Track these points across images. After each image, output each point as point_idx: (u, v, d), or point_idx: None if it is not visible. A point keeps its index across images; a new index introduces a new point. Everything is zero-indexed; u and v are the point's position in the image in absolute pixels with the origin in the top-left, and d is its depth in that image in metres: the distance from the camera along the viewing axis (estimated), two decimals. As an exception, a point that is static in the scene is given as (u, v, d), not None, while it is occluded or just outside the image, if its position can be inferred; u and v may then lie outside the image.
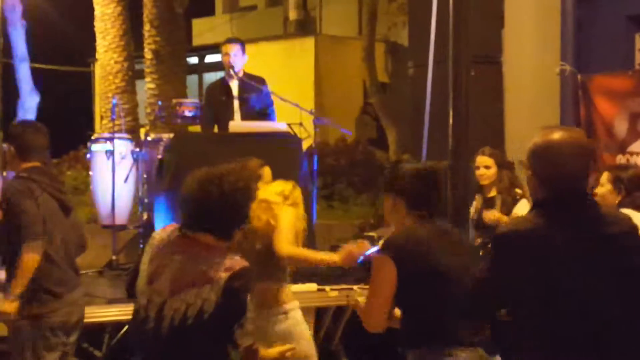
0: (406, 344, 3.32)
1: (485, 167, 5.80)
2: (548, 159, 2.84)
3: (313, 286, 5.92)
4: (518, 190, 5.74)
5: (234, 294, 2.94)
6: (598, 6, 8.29)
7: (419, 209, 3.38)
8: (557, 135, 2.86)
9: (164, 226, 3.26)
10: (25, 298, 4.17)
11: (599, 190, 4.98)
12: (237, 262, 3.00)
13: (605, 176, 5.03)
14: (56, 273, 4.24)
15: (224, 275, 2.94)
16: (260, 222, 4.35)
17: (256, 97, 7.23)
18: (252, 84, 7.25)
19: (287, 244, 4.35)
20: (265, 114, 7.27)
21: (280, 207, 4.43)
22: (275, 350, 3.38)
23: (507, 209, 5.66)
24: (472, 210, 5.87)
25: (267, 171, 4.93)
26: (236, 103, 7.22)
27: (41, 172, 4.31)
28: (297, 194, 4.56)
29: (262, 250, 4.37)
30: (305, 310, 4.63)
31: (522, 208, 5.46)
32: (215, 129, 7.30)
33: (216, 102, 7.30)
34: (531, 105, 8.06)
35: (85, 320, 5.28)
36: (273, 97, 7.32)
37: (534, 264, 2.77)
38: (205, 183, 3.04)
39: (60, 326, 4.25)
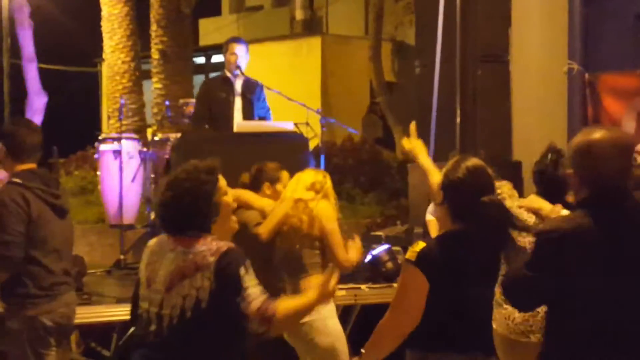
0: (411, 344, 3.28)
1: None
2: (589, 158, 2.90)
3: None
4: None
5: (226, 272, 2.96)
6: (606, 5, 8.27)
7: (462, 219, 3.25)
8: (597, 135, 2.91)
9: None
10: (19, 301, 4.16)
11: None
12: (222, 244, 3.04)
13: None
14: (45, 276, 4.18)
15: (212, 259, 2.98)
16: (303, 223, 4.50)
17: (256, 98, 7.23)
18: (255, 84, 7.25)
19: (345, 254, 4.54)
20: (263, 118, 7.27)
21: (316, 201, 4.54)
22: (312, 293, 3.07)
23: None
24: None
25: (285, 174, 5.05)
26: (239, 101, 7.17)
27: (34, 176, 4.21)
28: (329, 184, 4.67)
29: (299, 249, 4.51)
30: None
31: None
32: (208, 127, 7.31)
33: (215, 98, 7.21)
34: (538, 104, 8.04)
35: (94, 319, 5.30)
36: (280, 97, 7.32)
37: (578, 262, 2.82)
38: (164, 188, 3.16)
39: (56, 327, 4.22)
